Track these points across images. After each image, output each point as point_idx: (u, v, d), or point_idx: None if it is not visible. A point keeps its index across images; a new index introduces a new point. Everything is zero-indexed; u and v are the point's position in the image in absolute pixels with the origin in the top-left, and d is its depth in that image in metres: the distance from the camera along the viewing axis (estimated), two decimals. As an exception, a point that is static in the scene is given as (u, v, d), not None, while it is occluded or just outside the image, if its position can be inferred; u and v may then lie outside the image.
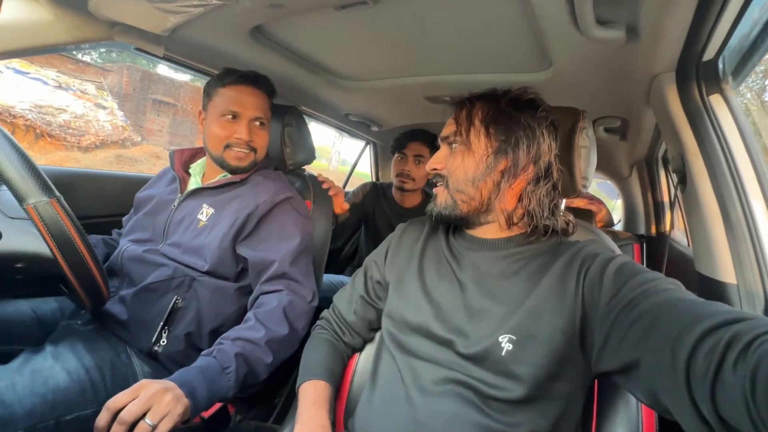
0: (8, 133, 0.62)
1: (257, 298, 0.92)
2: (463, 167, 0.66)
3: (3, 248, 0.61)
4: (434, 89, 1.29)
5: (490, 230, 0.69)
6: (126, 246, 0.97)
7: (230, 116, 0.97)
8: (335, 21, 0.88)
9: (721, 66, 0.74)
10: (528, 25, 0.79)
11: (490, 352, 0.57)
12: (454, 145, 0.69)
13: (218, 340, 0.81)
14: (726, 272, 0.69)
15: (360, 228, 1.96)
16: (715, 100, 0.74)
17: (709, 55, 0.71)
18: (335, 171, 13.04)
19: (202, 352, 0.79)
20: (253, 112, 0.97)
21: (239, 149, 0.97)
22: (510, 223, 0.66)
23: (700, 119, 0.74)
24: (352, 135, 2.22)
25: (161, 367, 0.88)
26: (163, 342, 0.88)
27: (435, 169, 0.70)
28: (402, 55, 1.06)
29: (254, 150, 0.99)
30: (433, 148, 1.70)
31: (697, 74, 0.74)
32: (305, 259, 0.98)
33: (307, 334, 0.86)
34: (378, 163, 2.53)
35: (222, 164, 0.99)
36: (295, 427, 0.63)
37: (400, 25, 0.87)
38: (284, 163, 1.18)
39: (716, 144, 0.72)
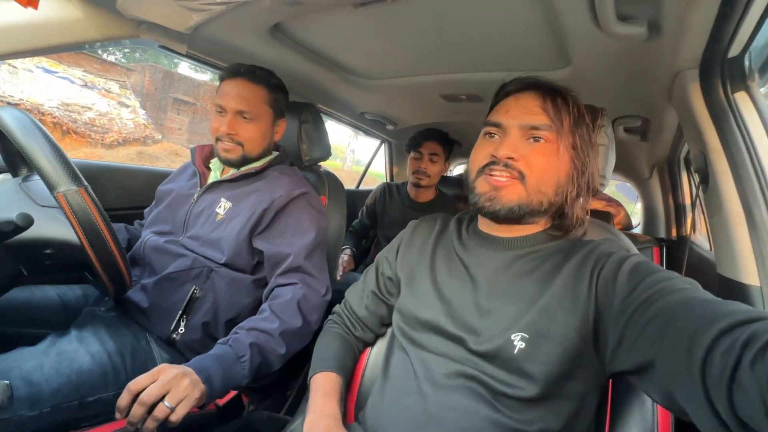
0: (42, 126, 0.65)
1: (272, 290, 0.94)
2: (549, 167, 0.62)
3: (34, 234, 0.64)
4: (451, 88, 1.29)
5: (517, 229, 0.67)
6: (148, 237, 1.00)
7: (219, 110, 0.99)
8: (353, 19, 0.89)
9: (747, 63, 0.72)
10: (546, 21, 0.78)
11: (502, 350, 0.57)
12: (539, 140, 0.62)
13: (234, 329, 0.84)
14: (749, 274, 0.67)
15: (373, 227, 1.99)
16: (741, 98, 0.72)
17: (734, 51, 0.69)
18: (349, 170, 13.09)
19: (218, 341, 0.81)
20: (236, 105, 0.97)
21: (225, 142, 0.99)
22: (558, 227, 0.66)
23: (724, 117, 0.72)
24: (367, 133, 2.23)
25: (179, 354, 0.91)
26: (181, 330, 0.91)
27: (511, 158, 0.61)
28: (419, 53, 1.06)
29: (241, 144, 0.99)
30: (447, 146, 1.74)
31: (722, 71, 0.73)
32: (319, 253, 1.00)
33: (320, 328, 0.88)
34: (393, 162, 2.54)
35: (218, 157, 1.03)
36: (306, 417, 0.64)
37: (417, 22, 0.88)
38: (301, 158, 1.20)
39: (741, 142, 0.70)
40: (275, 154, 1.09)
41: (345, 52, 1.16)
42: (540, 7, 0.73)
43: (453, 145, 1.79)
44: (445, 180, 2.12)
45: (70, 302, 0.95)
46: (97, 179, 1.13)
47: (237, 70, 0.99)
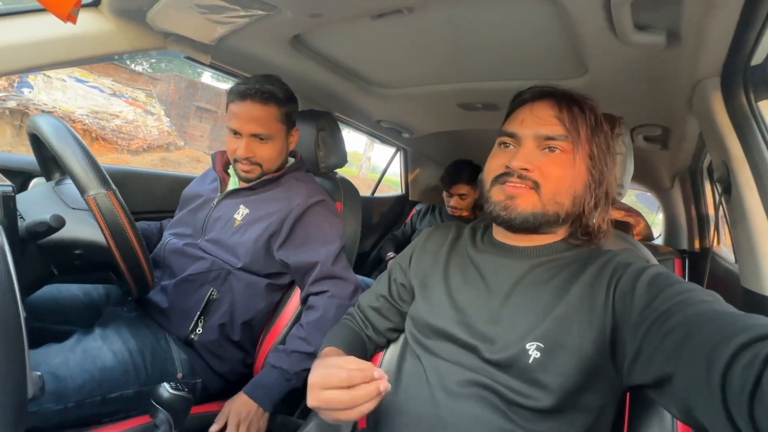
0: (75, 132, 0.69)
1: (306, 298, 0.99)
2: (565, 178, 0.61)
3: (66, 235, 0.68)
4: (467, 96, 1.30)
5: (534, 238, 0.67)
6: (168, 239, 1.03)
7: (233, 132, 0.99)
8: (371, 29, 0.91)
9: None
10: (564, 30, 0.78)
11: (517, 359, 0.56)
12: (555, 150, 0.62)
13: (278, 353, 0.93)
14: (775, 288, 0.65)
15: (386, 233, 2.12)
16: (765, 106, 0.71)
17: (757, 59, 0.68)
18: (365, 177, 13.17)
19: (268, 363, 0.93)
20: (251, 128, 0.96)
21: (243, 164, 1.00)
22: (575, 236, 0.66)
23: (747, 126, 0.71)
24: (383, 141, 2.25)
25: (196, 354, 0.93)
26: (199, 331, 0.93)
27: (525, 169, 0.61)
28: (435, 62, 1.07)
29: (260, 164, 1.00)
30: (474, 180, 1.89)
31: (745, 79, 0.71)
32: (344, 257, 1.03)
33: None
34: (408, 170, 2.55)
35: (238, 176, 1.04)
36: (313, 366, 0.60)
37: (434, 32, 0.89)
38: (317, 165, 1.22)
39: (765, 152, 0.68)
40: (291, 161, 1.12)
41: (363, 62, 1.18)
42: (556, 16, 0.74)
43: (480, 172, 1.90)
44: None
45: (94, 301, 0.99)
46: (124, 184, 1.18)
47: (246, 93, 0.96)
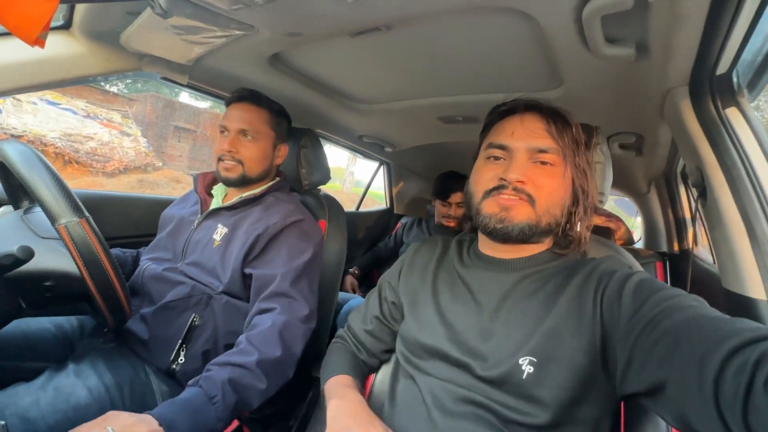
0: (44, 158, 0.66)
1: (252, 317, 0.90)
2: (557, 190, 0.63)
3: (35, 267, 0.64)
4: (447, 110, 1.32)
5: (522, 249, 0.67)
6: (146, 265, 0.99)
7: (222, 131, 1.03)
8: (350, 47, 0.92)
9: (735, 79, 0.73)
10: (538, 45, 0.81)
11: (510, 376, 0.56)
12: (546, 163, 0.63)
13: (207, 365, 0.78)
14: (754, 288, 0.66)
15: (396, 252, 2.14)
16: (732, 113, 0.74)
17: (722, 68, 0.71)
18: (349, 192, 13.17)
19: (189, 381, 0.75)
20: (238, 124, 1.00)
21: (225, 161, 1.01)
22: (559, 245, 0.67)
23: (717, 132, 0.73)
24: (366, 156, 2.26)
25: (178, 385, 0.89)
26: (181, 360, 0.89)
27: (521, 182, 0.61)
28: (415, 77, 1.09)
29: (241, 162, 1.01)
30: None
31: (712, 88, 0.74)
32: (308, 280, 0.97)
33: (304, 355, 0.87)
34: (392, 183, 2.55)
35: (219, 179, 1.04)
36: (329, 404, 0.62)
37: (412, 49, 0.90)
38: (300, 183, 1.21)
39: (735, 156, 0.71)
40: (276, 180, 1.10)
41: (343, 79, 1.19)
42: (531, 30, 0.76)
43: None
44: None
45: (66, 334, 0.94)
46: (99, 208, 1.14)
47: (242, 95, 1.03)
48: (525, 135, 0.64)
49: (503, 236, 0.63)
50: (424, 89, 1.17)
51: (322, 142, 1.35)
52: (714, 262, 1.40)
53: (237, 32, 0.82)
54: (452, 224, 1.93)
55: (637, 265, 0.75)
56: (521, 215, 0.61)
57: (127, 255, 1.12)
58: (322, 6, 0.72)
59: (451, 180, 1.90)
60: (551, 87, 1.00)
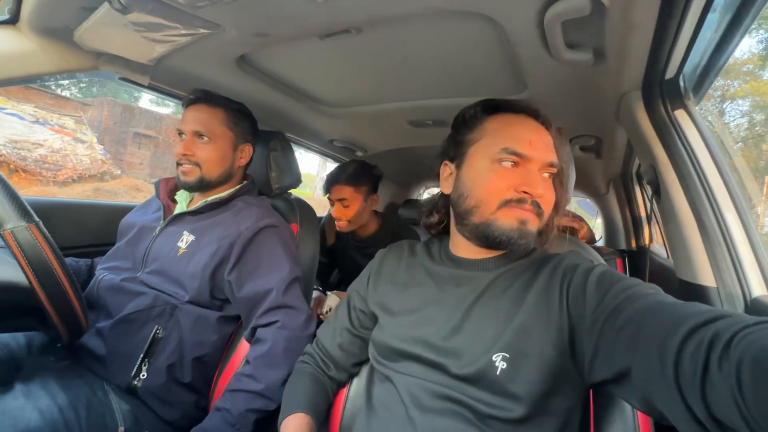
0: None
1: (254, 331, 0.90)
2: (554, 201, 0.65)
3: (-25, 279, 0.59)
4: (416, 114, 1.33)
5: (494, 250, 0.68)
6: (102, 275, 0.93)
7: (180, 135, 1.01)
8: (319, 49, 0.91)
9: (682, 83, 0.79)
10: (503, 50, 0.83)
11: (484, 372, 0.56)
12: (546, 173, 0.65)
13: (224, 393, 0.84)
14: (705, 276, 0.71)
15: (334, 264, 1.93)
16: (680, 115, 0.79)
17: (670, 73, 0.76)
18: (320, 198, 13.03)
19: (214, 407, 0.82)
20: (192, 126, 0.98)
21: (183, 164, 0.98)
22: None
23: (668, 134, 0.78)
24: (337, 161, 2.25)
25: (140, 403, 0.84)
26: (143, 375, 0.84)
27: (541, 197, 0.62)
28: (384, 81, 1.09)
29: (198, 165, 0.98)
30: (361, 183, 1.52)
31: (662, 92, 0.79)
32: (297, 285, 0.96)
33: None
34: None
35: (179, 184, 1.01)
36: None
37: (382, 52, 0.91)
38: (270, 187, 1.18)
39: (685, 156, 0.76)
40: (244, 183, 1.07)
41: (312, 82, 1.18)
42: (496, 36, 0.78)
43: (372, 176, 1.57)
44: (411, 204, 2.14)
45: (12, 353, 0.86)
46: (51, 216, 1.06)
47: (196, 96, 1.01)
48: (543, 147, 0.64)
49: (515, 248, 0.63)
50: (394, 93, 1.18)
51: (293, 146, 1.32)
52: (668, 257, 1.49)
53: (202, 31, 0.79)
54: (342, 226, 1.54)
55: (599, 258, 0.79)
56: (533, 226, 0.62)
57: (81, 264, 1.05)
58: (291, 6, 0.71)
59: (335, 172, 1.53)
60: (516, 92, 1.04)
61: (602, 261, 0.76)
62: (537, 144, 0.63)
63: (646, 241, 1.84)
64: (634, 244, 2.01)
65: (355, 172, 1.52)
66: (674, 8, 0.57)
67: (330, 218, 1.68)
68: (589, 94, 0.96)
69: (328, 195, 1.55)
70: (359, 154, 1.96)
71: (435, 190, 0.79)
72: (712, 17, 0.59)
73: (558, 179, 0.67)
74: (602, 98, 0.96)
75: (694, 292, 0.73)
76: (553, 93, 0.99)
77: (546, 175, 0.64)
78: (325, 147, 1.87)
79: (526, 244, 0.62)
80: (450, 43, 0.84)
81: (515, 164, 0.63)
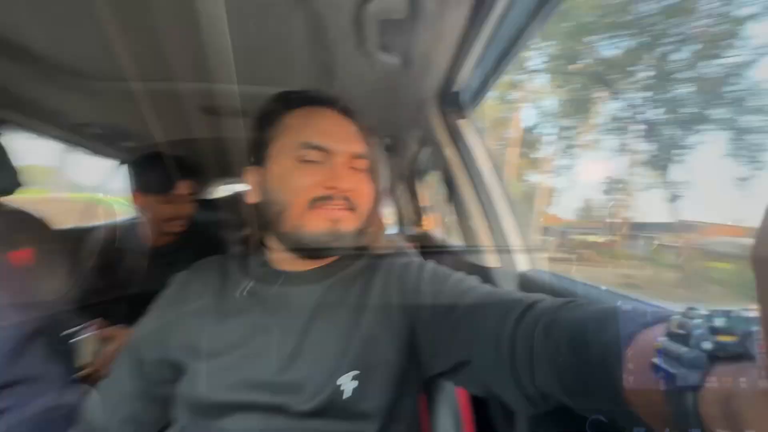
0: None
1: None
2: (372, 197, 0.60)
3: None
4: (211, 99, 1.12)
5: (323, 258, 0.61)
6: None
7: None
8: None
9: (463, 97, 0.94)
10: (315, 39, 0.77)
11: (332, 401, 0.50)
12: (361, 169, 0.60)
13: None
14: (489, 259, 0.87)
15: None
16: (464, 123, 0.94)
17: (457, 87, 0.88)
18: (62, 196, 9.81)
19: None
20: None
21: None
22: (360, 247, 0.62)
23: (457, 137, 0.92)
24: (93, 152, 1.68)
25: None
26: None
27: (351, 191, 0.57)
28: (170, 52, 0.85)
29: None
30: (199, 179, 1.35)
31: (451, 102, 0.92)
32: (39, 342, 0.65)
33: None
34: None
35: None
36: None
37: (165, 14, 0.69)
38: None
39: (469, 157, 0.91)
40: None
41: (46, 38, 0.80)
42: (310, 24, 0.71)
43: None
44: (207, 204, 1.85)
45: None
46: None
47: None
48: (344, 137, 0.58)
49: (328, 253, 0.57)
50: (184, 71, 0.94)
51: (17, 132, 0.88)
52: (444, 239, 1.82)
53: None
54: (182, 228, 1.29)
55: (415, 254, 0.85)
56: (348, 227, 0.57)
57: None
58: None
59: (182, 167, 1.28)
60: (324, 84, 1.00)
61: (417, 255, 0.82)
62: (340, 135, 0.59)
63: (430, 227, 2.20)
64: (420, 230, 2.37)
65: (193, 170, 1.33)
66: (473, 28, 0.65)
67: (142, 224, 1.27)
68: (395, 96, 1.02)
69: (171, 190, 1.22)
70: (128, 144, 1.52)
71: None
72: (499, 44, 0.70)
73: (371, 171, 0.64)
74: (403, 102, 1.04)
75: (481, 272, 0.88)
76: (360, 90, 1.01)
77: (356, 167, 0.60)
78: (71, 132, 1.36)
79: (344, 248, 0.58)
80: (254, 21, 0.72)
81: (317, 161, 0.57)
